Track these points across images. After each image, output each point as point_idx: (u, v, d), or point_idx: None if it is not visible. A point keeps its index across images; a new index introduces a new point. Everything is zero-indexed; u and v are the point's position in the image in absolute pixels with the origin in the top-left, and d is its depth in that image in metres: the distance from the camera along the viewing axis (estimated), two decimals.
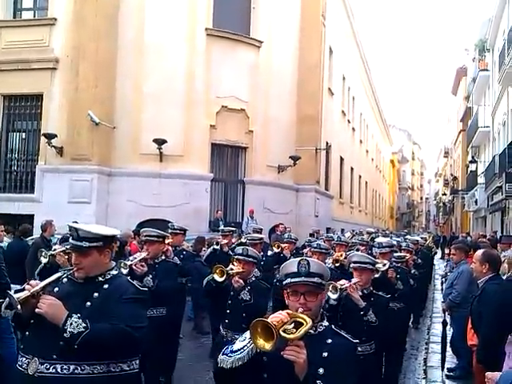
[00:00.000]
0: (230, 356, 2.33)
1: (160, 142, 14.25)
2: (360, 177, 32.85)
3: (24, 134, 15.52)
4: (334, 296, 4.20)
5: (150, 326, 5.00)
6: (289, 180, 18.05)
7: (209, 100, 15.52)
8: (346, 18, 26.80)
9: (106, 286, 2.91)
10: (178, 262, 6.05)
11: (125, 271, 4.82)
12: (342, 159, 26.34)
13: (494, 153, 23.40)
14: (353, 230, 18.78)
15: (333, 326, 2.61)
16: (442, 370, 7.05)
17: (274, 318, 2.29)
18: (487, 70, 26.33)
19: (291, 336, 2.25)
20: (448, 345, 7.31)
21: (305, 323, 2.32)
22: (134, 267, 4.96)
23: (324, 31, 20.13)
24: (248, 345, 2.31)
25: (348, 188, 28.69)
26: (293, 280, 2.55)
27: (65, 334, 2.62)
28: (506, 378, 2.94)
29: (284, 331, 2.25)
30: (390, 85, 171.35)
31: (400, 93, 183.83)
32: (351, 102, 29.79)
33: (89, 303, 2.81)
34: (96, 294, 2.85)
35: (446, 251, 21.68)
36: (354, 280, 4.48)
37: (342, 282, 4.38)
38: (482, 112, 27.54)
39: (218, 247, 8.29)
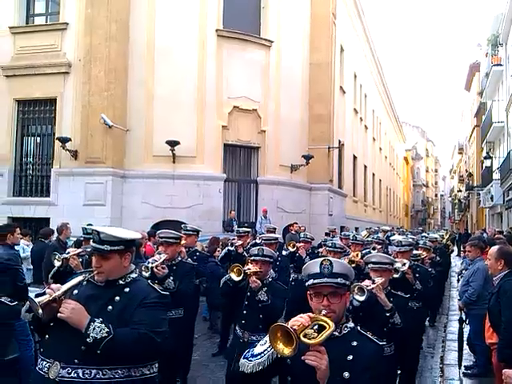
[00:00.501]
0: (251, 360, 2.30)
1: (173, 144, 14.31)
2: (373, 175, 32.71)
3: (38, 138, 15.68)
4: (361, 298, 4.08)
5: (170, 328, 5.07)
6: (302, 179, 18.04)
7: (220, 101, 15.56)
8: (356, 16, 26.70)
9: (127, 290, 2.87)
10: (195, 263, 6.08)
11: (147, 274, 4.83)
12: (355, 157, 26.25)
13: (509, 148, 23.17)
14: (369, 228, 18.67)
15: (358, 328, 2.53)
16: (459, 367, 6.98)
17: (295, 321, 2.23)
18: (500, 65, 26.04)
19: (312, 341, 2.19)
20: (465, 342, 7.25)
21: (327, 327, 2.25)
22: (155, 270, 4.97)
23: (334, 29, 20.07)
24: (268, 349, 2.25)
25: (361, 186, 28.58)
26: (315, 281, 2.47)
27: (88, 339, 2.59)
28: None
29: (305, 336, 2.19)
30: (402, 82, 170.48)
31: (413, 90, 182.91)
32: (363, 100, 29.66)
33: (110, 307, 2.78)
34: (117, 298, 2.82)
35: (462, 248, 21.52)
36: (378, 280, 4.35)
37: (367, 282, 4.29)
38: (496, 107, 27.23)
39: (233, 248, 8.25)
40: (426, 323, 9.92)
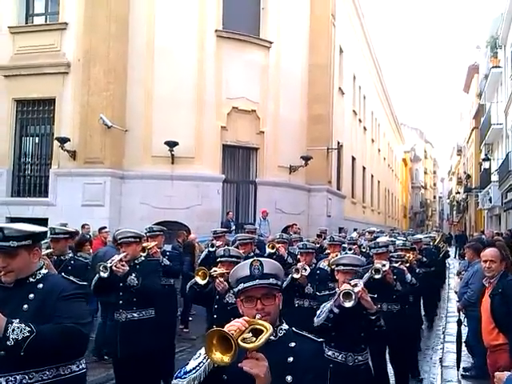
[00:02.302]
0: (184, 378, 2.09)
1: (171, 144, 14.31)
2: (372, 176, 32.70)
3: (37, 138, 15.67)
4: (349, 304, 3.93)
5: (141, 329, 4.87)
6: (300, 180, 18.02)
7: (219, 101, 15.55)
8: (355, 17, 26.72)
9: (40, 286, 2.71)
10: (168, 263, 5.97)
11: (105, 274, 4.71)
12: (353, 159, 26.24)
13: (508, 150, 23.19)
14: (355, 229, 18.59)
15: (293, 329, 2.40)
16: (458, 369, 6.98)
17: (231, 326, 2.07)
18: (499, 67, 26.11)
19: (251, 345, 2.04)
20: (463, 344, 7.24)
21: (265, 330, 2.11)
22: (114, 268, 4.80)
23: (334, 31, 20.08)
24: (204, 361, 2.07)
25: (360, 187, 28.57)
26: (247, 284, 2.32)
27: (8, 342, 2.38)
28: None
29: (243, 341, 2.04)
30: (401, 83, 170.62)
31: (411, 91, 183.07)
32: (362, 101, 29.67)
33: (26, 306, 2.61)
34: (32, 296, 2.64)
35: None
36: (358, 282, 4.19)
37: (348, 286, 4.10)
38: (495, 109, 27.29)
39: (214, 249, 8.00)
40: (425, 323, 9.94)
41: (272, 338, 2.21)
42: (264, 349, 2.07)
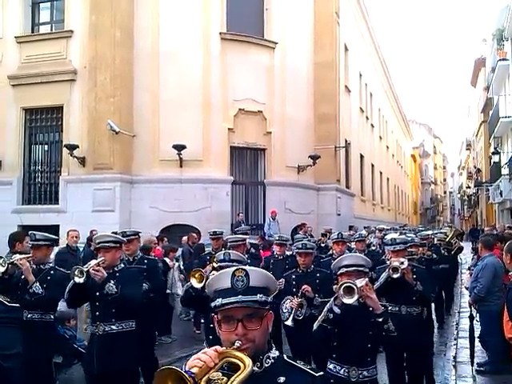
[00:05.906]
0: None
1: (179, 148, 14.36)
2: (381, 173, 32.59)
3: (46, 145, 15.82)
4: (350, 300, 3.41)
5: (121, 343, 4.59)
6: (309, 180, 18.01)
7: (226, 103, 15.59)
8: (360, 14, 26.66)
9: None
10: (142, 270, 5.52)
11: (81, 280, 4.36)
12: (361, 156, 26.18)
13: None
14: (368, 227, 18.48)
15: (285, 357, 1.91)
16: (472, 365, 6.93)
17: (196, 361, 1.64)
18: (506, 60, 25.90)
19: None
20: (477, 340, 7.20)
21: (242, 366, 1.66)
22: (92, 271, 4.43)
23: (338, 29, 20.06)
24: None
25: (369, 185, 28.50)
26: (225, 301, 1.81)
27: None
28: None
29: (208, 383, 1.62)
30: (408, 79, 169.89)
31: (419, 87, 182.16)
32: (369, 99, 29.58)
33: None
34: None
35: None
36: (363, 280, 3.66)
37: (357, 281, 3.62)
38: (503, 102, 27.06)
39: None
40: (436, 324, 9.83)
41: (256, 368, 1.77)
42: (244, 383, 1.65)
